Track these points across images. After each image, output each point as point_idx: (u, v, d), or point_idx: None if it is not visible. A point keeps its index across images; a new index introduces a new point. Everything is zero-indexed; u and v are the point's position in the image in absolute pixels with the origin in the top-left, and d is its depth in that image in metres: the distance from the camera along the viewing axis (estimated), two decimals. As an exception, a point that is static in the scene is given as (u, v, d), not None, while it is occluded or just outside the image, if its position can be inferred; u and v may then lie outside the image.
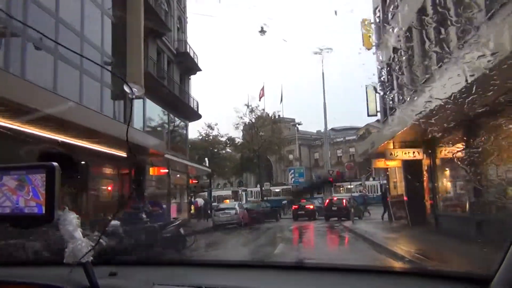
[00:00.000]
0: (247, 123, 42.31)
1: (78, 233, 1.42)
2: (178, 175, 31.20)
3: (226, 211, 26.79)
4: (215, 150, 44.55)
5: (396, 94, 18.13)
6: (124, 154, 17.24)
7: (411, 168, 18.25)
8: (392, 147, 17.34)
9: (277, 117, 44.07)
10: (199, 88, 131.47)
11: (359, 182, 57.59)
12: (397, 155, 16.78)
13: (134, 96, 21.54)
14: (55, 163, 1.30)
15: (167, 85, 28.19)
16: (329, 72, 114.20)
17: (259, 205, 33.20)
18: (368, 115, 25.85)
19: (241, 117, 43.07)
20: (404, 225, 19.10)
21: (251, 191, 63.36)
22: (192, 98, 33.43)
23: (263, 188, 44.86)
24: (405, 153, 16.59)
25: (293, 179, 40.70)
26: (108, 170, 20.11)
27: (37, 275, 1.78)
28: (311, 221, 31.93)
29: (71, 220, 1.41)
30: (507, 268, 1.42)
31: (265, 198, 59.00)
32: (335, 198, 33.57)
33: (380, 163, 20.27)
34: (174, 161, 27.10)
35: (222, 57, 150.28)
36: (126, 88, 17.15)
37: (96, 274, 1.48)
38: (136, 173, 17.39)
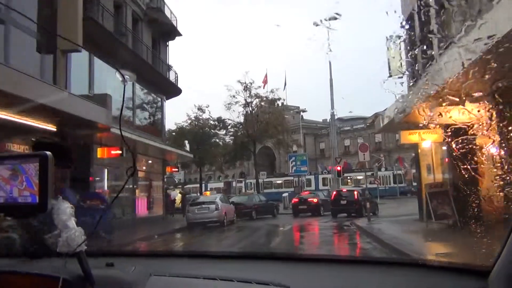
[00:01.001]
0: (241, 102, 36.09)
1: (72, 223, 1.37)
2: (150, 161, 24.83)
3: (203, 206, 20.44)
4: (205, 135, 38.26)
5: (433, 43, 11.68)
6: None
7: (460, 143, 11.55)
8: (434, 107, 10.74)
9: (279, 102, 37.52)
10: (186, 63, 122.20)
11: (370, 173, 51.15)
12: (450, 116, 10.30)
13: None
14: (48, 152, 1.25)
15: (132, 48, 21.78)
16: (336, 52, 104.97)
17: (251, 199, 26.81)
18: (390, 76, 19.08)
19: (234, 96, 36.79)
20: (449, 227, 12.63)
21: (251, 183, 56.95)
22: (169, 68, 27.02)
23: (259, 179, 37.97)
24: (462, 112, 10.09)
25: (294, 168, 34.41)
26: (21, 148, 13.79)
27: (32, 266, 1.71)
28: (315, 218, 25.51)
29: (65, 209, 1.37)
30: (505, 260, 1.38)
31: (264, 191, 52.88)
32: (344, 190, 27.06)
33: (412, 137, 13.72)
34: (141, 143, 20.80)
35: (216, 27, 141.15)
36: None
37: (93, 264, 1.44)
38: (64, 153, 10.94)
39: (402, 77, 19.13)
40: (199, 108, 37.77)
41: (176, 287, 1.72)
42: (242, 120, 36.22)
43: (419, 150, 16.76)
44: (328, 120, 76.66)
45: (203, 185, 63.69)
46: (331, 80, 33.90)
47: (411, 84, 15.65)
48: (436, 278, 1.70)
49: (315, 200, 27.20)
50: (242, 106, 35.56)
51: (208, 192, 33.75)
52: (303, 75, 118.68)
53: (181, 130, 38.37)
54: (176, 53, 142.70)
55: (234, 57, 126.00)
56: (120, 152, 17.80)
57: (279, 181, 54.98)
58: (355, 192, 24.84)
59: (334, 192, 25.82)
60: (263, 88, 39.34)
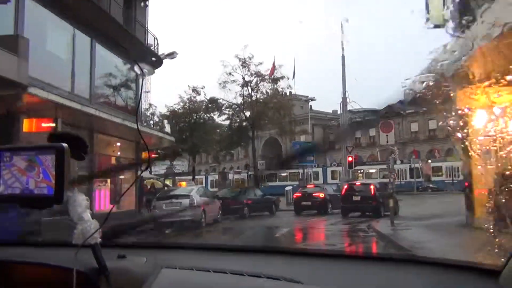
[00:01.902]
0: (238, 81, 30.98)
1: (87, 215, 1.38)
2: (118, 143, 19.90)
3: (173, 201, 15.43)
4: (199, 120, 33.19)
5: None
6: None
7: None
8: None
9: (282, 81, 31.80)
10: (180, 39, 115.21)
11: (383, 166, 45.80)
12: None
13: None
14: (64, 144, 1.25)
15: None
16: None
17: (243, 192, 21.72)
18: (433, 27, 13.90)
19: (230, 73, 31.26)
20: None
21: (252, 175, 51.78)
22: (146, 32, 21.98)
23: (258, 169, 32.59)
24: None
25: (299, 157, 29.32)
26: None
27: (47, 256, 1.70)
28: (321, 217, 20.46)
29: (80, 201, 1.38)
30: None
31: (267, 184, 47.70)
32: (357, 183, 21.87)
33: (477, 98, 8.54)
34: (98, 119, 15.97)
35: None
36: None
37: (105, 256, 1.45)
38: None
39: (443, 26, 13.71)
40: (194, 89, 32.73)
41: (187, 279, 1.69)
42: (239, 101, 31.17)
43: (471, 127, 11.47)
44: (338, 112, 71.88)
45: (204, 177, 58.91)
46: (343, 57, 28.62)
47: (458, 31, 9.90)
48: (445, 276, 1.65)
49: (321, 195, 22.05)
50: (240, 85, 30.64)
51: (183, 183, 28.45)
52: (313, 64, 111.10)
53: (173, 114, 33.30)
54: (168, 28, 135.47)
55: (235, 37, 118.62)
56: (54, 124, 12.85)
57: (283, 173, 49.80)
58: (371, 186, 19.65)
59: (345, 186, 20.64)
60: (270, 76, 34.23)
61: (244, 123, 31.23)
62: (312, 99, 62.64)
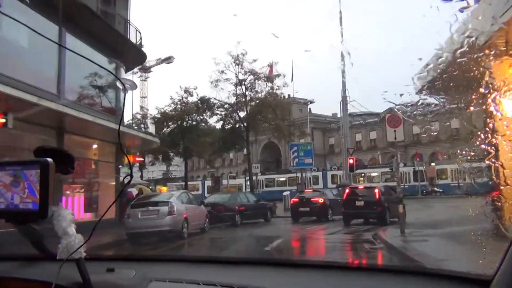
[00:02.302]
0: (231, 80, 29.00)
1: (72, 229, 1.33)
2: (95, 145, 17.89)
3: (150, 208, 13.28)
4: (191, 122, 31.09)
5: None
6: None
7: None
8: None
9: (278, 80, 29.44)
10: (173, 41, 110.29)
11: (386, 169, 43.71)
12: None
13: None
14: (49, 159, 1.23)
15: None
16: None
17: (234, 198, 19.61)
18: None
19: (223, 71, 28.41)
20: None
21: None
22: (128, 25, 19.97)
23: (257, 174, 30.27)
24: None
25: (296, 160, 27.03)
26: None
27: (30, 271, 1.75)
28: (320, 225, 18.42)
29: (65, 216, 1.33)
30: (507, 269, 1.31)
31: (264, 189, 45.59)
32: (360, 187, 19.79)
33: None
34: (72, 118, 14.09)
35: None
36: None
37: (94, 270, 1.40)
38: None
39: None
40: (186, 90, 30.70)
41: None
42: (233, 101, 28.94)
43: (499, 112, 9.42)
44: (338, 115, 69.80)
45: (201, 183, 56.80)
46: (342, 55, 26.60)
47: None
48: (435, 286, 1.63)
49: (320, 200, 19.97)
50: (234, 84, 28.52)
51: (164, 188, 26.08)
52: (312, 66, 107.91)
53: (164, 116, 31.27)
54: (158, 26, 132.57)
55: (228, 34, 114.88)
56: (4, 120, 10.86)
57: (282, 178, 47.78)
58: (376, 190, 17.55)
59: (347, 190, 18.54)
60: (268, 75, 32.26)
61: (238, 125, 29.11)
62: (311, 102, 60.82)
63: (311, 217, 20.31)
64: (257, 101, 27.84)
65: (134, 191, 20.77)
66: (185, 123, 31.59)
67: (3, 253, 2.44)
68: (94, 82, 18.09)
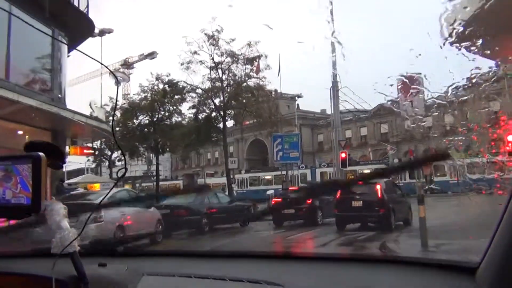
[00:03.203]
0: (206, 63, 24.31)
1: (65, 223, 1.34)
2: (20, 131, 13.89)
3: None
4: (163, 113, 27.02)
5: None
6: None
7: None
8: None
9: (260, 62, 24.93)
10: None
11: (380, 166, 40.11)
12: None
13: None
14: (41, 153, 1.23)
15: None
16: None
17: (201, 198, 15.59)
18: None
19: (195, 52, 23.97)
20: None
21: (238, 179, 45.67)
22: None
23: (230, 168, 25.75)
24: None
25: (280, 154, 23.03)
26: None
27: (25, 266, 1.75)
28: (308, 230, 14.61)
29: (58, 210, 1.34)
30: (493, 256, 1.30)
31: (249, 188, 41.64)
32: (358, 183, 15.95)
33: None
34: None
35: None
36: None
37: (86, 264, 1.41)
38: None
39: None
40: (157, 77, 26.65)
41: (169, 286, 1.69)
42: (207, 86, 24.75)
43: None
44: (327, 111, 65.96)
45: (182, 182, 52.61)
46: (333, 45, 22.74)
47: None
48: (422, 275, 1.62)
49: (308, 200, 16.09)
50: (208, 67, 24.35)
51: (97, 185, 21.28)
52: (301, 61, 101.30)
53: (132, 106, 27.14)
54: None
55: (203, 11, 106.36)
56: None
57: (268, 176, 43.84)
58: (378, 187, 13.65)
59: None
60: (257, 74, 28.19)
61: (213, 113, 24.91)
62: (299, 96, 57.05)
63: (296, 220, 16.49)
64: (234, 85, 23.69)
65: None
66: (156, 114, 27.55)
67: None
68: (23, 54, 14.08)
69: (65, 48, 16.30)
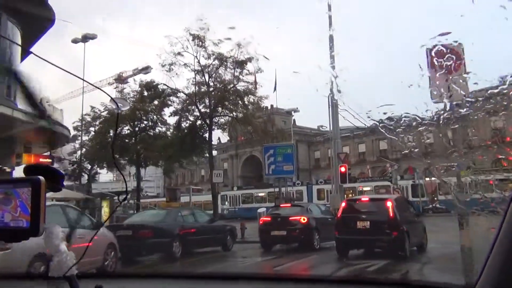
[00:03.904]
0: (191, 66, 21.25)
1: (63, 247, 1.33)
2: None
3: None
4: (147, 122, 24.33)
5: None
6: None
7: None
8: None
9: (251, 64, 21.87)
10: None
11: (381, 183, 37.45)
12: None
13: None
14: (41, 177, 1.21)
15: None
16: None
17: (171, 217, 12.66)
18: None
19: (179, 53, 20.84)
20: None
21: (226, 196, 42.70)
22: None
23: (214, 182, 22.57)
24: None
25: (272, 167, 20.22)
26: None
27: None
28: (301, 258, 11.76)
29: (57, 233, 1.33)
30: (488, 277, 1.25)
31: (241, 206, 38.80)
32: (364, 199, 13.00)
33: None
34: None
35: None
36: None
37: (82, 287, 1.40)
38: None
39: None
40: (140, 85, 23.93)
41: None
42: (192, 91, 21.64)
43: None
44: (324, 126, 63.46)
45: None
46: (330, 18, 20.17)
47: None
48: None
49: (303, 219, 13.27)
50: (194, 71, 21.20)
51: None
52: (297, 79, 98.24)
53: (112, 114, 24.39)
54: None
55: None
56: None
57: (261, 193, 40.96)
58: (389, 204, 10.85)
59: (343, 204, 11.88)
60: (255, 90, 25.44)
61: (199, 121, 21.97)
62: (295, 111, 54.55)
63: (289, 244, 13.73)
64: (221, 89, 20.78)
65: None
66: (138, 123, 24.86)
67: None
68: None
69: (17, 36, 13.69)
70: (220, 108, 21.26)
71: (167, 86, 21.29)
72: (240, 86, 21.14)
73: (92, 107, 27.18)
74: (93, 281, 1.62)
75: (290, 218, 13.51)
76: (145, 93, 23.18)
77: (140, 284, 1.97)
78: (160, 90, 22.10)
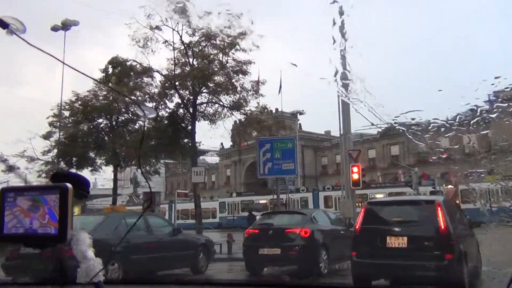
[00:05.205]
0: (171, 43, 17.45)
1: (90, 253, 1.33)
2: None
3: None
4: (126, 116, 20.41)
5: None
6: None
7: None
8: None
9: (244, 40, 17.35)
10: None
11: (398, 189, 33.17)
12: None
13: None
14: (68, 184, 1.24)
15: None
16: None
17: (109, 225, 8.65)
18: None
19: (157, 27, 16.97)
20: None
21: (224, 203, 38.53)
22: None
23: (194, 182, 17.97)
24: None
25: (268, 166, 15.94)
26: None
27: None
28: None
29: (84, 240, 1.33)
30: None
31: (235, 215, 34.74)
32: (397, 201, 8.88)
33: None
34: None
35: None
36: None
37: None
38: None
39: None
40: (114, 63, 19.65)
41: None
42: (169, 71, 17.50)
43: None
44: (331, 132, 59.01)
45: (168, 206, 44.54)
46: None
47: None
48: None
49: (304, 232, 9.16)
50: (173, 46, 17.28)
51: None
52: (304, 80, 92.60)
53: (85, 105, 20.48)
54: None
55: None
56: None
57: (262, 200, 36.85)
58: (438, 209, 6.77)
59: (364, 209, 7.70)
60: (255, 92, 21.08)
61: (181, 110, 17.78)
62: (301, 113, 50.50)
63: (284, 265, 9.68)
64: (203, 62, 16.52)
65: None
66: (115, 116, 20.97)
67: (21, 278, 2.39)
68: None
69: None
70: (205, 93, 17.10)
71: (136, 62, 17.23)
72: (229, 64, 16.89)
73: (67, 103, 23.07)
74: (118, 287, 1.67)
75: (287, 231, 9.43)
76: (110, 70, 19.10)
77: None
78: (129, 66, 17.94)
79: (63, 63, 1.43)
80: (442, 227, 6.59)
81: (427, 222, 6.87)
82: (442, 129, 5.17)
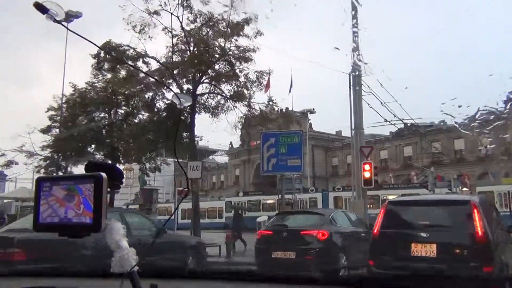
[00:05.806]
0: (170, 29, 16.33)
1: (125, 243, 1.32)
2: None
3: None
4: (127, 109, 19.71)
5: None
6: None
7: None
8: None
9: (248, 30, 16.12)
10: None
11: (411, 190, 32.09)
12: None
13: None
14: (103, 174, 1.25)
15: None
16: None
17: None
18: None
19: (155, 12, 15.84)
20: None
21: (235, 203, 37.81)
22: None
23: (190, 178, 16.41)
24: None
25: (272, 161, 15.09)
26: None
27: (85, 286, 1.78)
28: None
29: (118, 229, 1.32)
30: None
31: (246, 214, 33.81)
32: (424, 200, 8.02)
33: None
34: None
35: None
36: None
37: None
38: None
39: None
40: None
41: None
42: (167, 58, 16.62)
43: None
44: (343, 134, 57.55)
45: (174, 205, 44.14)
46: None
47: None
48: None
49: (321, 234, 8.45)
50: (171, 33, 16.22)
51: None
52: (315, 78, 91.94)
53: (83, 98, 19.69)
54: None
55: None
56: None
57: (270, 200, 36.09)
58: (475, 212, 6.02)
59: (384, 210, 6.91)
60: (265, 92, 20.22)
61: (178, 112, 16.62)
62: (311, 112, 49.61)
63: (299, 271, 8.85)
64: (203, 48, 15.55)
65: None
66: (115, 109, 20.40)
67: (54, 269, 2.31)
68: None
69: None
70: (205, 82, 16.20)
71: (130, 47, 16.13)
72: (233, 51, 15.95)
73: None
74: (147, 280, 1.55)
75: (302, 233, 8.70)
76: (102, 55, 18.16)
77: (195, 284, 1.94)
78: (122, 51, 16.76)
79: (85, 38, 1.40)
80: (480, 233, 5.81)
81: (461, 227, 6.12)
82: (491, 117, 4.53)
